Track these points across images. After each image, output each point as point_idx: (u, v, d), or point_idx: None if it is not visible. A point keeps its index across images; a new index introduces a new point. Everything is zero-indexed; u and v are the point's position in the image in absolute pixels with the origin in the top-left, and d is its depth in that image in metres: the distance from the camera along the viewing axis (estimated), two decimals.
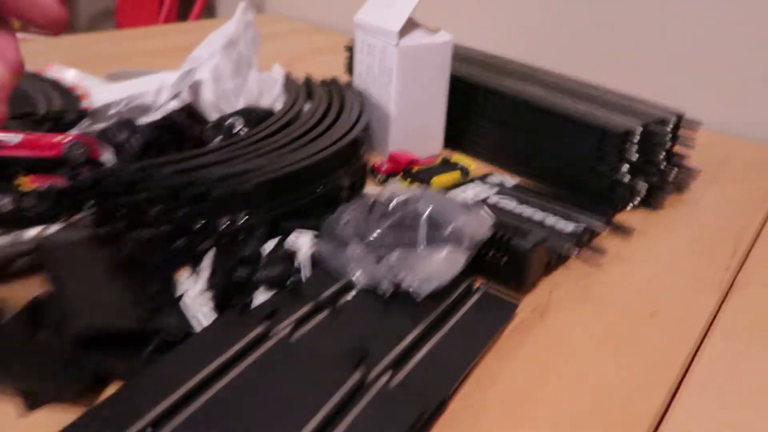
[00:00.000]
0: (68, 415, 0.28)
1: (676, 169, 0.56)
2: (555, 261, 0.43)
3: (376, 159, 0.57)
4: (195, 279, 0.37)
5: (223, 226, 0.39)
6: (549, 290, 0.41)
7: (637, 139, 0.51)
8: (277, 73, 0.68)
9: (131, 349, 0.30)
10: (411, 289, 0.35)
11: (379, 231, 0.37)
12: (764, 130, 0.75)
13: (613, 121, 0.52)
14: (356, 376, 0.29)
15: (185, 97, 0.48)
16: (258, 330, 0.32)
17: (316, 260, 0.39)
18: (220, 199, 0.38)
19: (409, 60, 0.54)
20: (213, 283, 0.35)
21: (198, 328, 0.33)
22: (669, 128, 0.54)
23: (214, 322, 0.33)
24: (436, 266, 0.34)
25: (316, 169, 0.44)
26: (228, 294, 0.35)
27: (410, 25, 0.54)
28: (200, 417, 0.27)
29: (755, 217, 0.54)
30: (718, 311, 0.41)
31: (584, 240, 0.46)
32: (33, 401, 0.28)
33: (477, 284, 0.40)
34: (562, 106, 0.55)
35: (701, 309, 0.41)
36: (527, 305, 0.40)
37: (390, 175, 0.54)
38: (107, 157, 0.46)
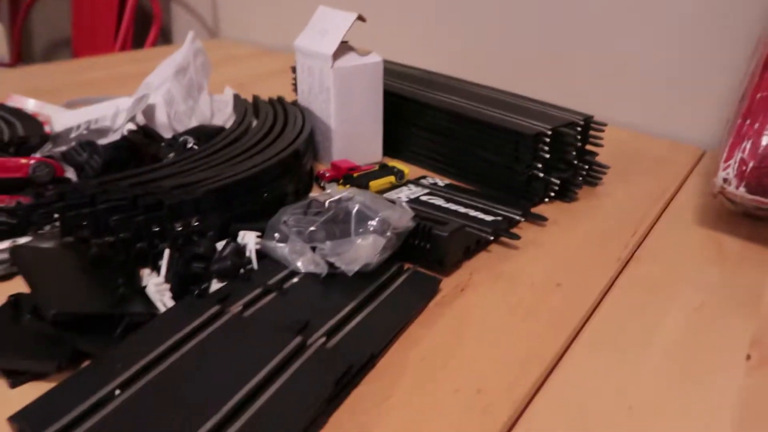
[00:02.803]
0: (49, 387, 0.32)
1: (587, 165, 0.63)
2: (475, 246, 0.49)
3: (321, 168, 0.62)
4: (155, 275, 0.42)
5: (178, 230, 0.44)
6: (470, 272, 0.48)
7: (548, 140, 0.58)
8: (228, 95, 0.73)
9: (104, 331, 0.35)
10: (342, 269, 0.40)
11: (315, 226, 0.43)
12: (670, 128, 0.84)
13: (527, 125, 0.59)
14: (297, 341, 0.35)
15: (140, 120, 0.53)
16: (214, 309, 0.37)
17: (262, 254, 0.44)
18: (173, 207, 0.43)
19: (343, 79, 0.60)
20: (170, 277, 0.40)
21: (164, 310, 0.38)
22: (578, 129, 0.61)
23: (176, 304, 0.38)
24: (361, 250, 0.40)
25: (260, 177, 0.49)
26: (185, 284, 0.40)
27: (344, 49, 0.60)
28: (160, 381, 0.32)
29: (655, 206, 0.62)
30: (616, 279, 0.48)
31: (502, 228, 0.52)
32: (16, 379, 0.33)
33: (406, 267, 0.45)
34: (483, 114, 0.61)
35: (601, 278, 0.47)
36: (450, 284, 0.46)
37: (333, 181, 0.60)
38: (71, 175, 0.50)
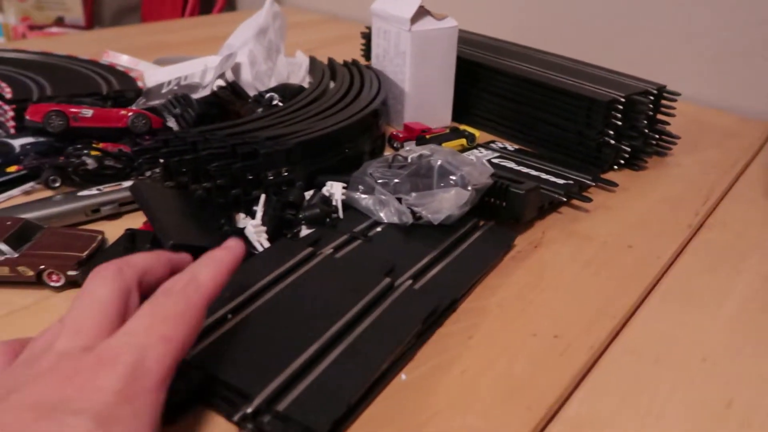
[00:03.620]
0: None
1: (657, 135, 0.64)
2: (548, 206, 0.51)
3: (392, 130, 0.64)
4: (249, 219, 0.45)
5: (270, 178, 0.47)
6: (542, 230, 0.49)
7: (620, 107, 0.59)
8: (301, 58, 0.76)
9: None
10: (428, 218, 0.43)
11: (399, 178, 0.45)
12: (741, 103, 0.82)
13: (600, 92, 0.59)
14: (386, 281, 0.38)
15: (229, 77, 0.56)
16: (307, 250, 0.40)
17: (346, 204, 0.47)
18: (267, 156, 0.46)
19: (420, 43, 0.62)
20: (266, 220, 0.43)
21: (261, 249, 0.41)
22: (650, 98, 0.61)
23: (273, 245, 0.41)
24: (445, 202, 0.42)
25: (343, 133, 0.52)
26: (278, 228, 0.43)
27: (420, 13, 0.62)
28: (265, 309, 0.35)
29: (726, 177, 0.62)
30: (687, 243, 0.49)
31: (574, 191, 0.53)
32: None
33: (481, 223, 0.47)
34: (555, 80, 0.62)
35: (672, 242, 0.48)
36: (524, 240, 0.47)
37: (406, 141, 0.62)
38: (172, 125, 0.54)
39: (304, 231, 0.45)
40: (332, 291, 0.37)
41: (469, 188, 0.44)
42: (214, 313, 0.34)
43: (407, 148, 0.50)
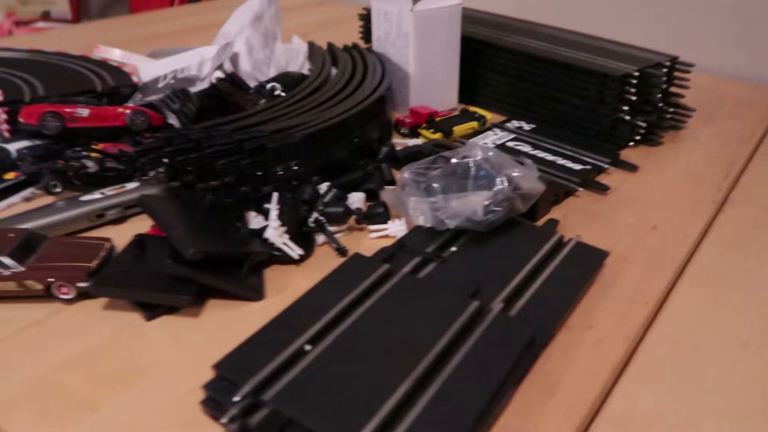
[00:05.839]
0: (182, 321, 0.34)
1: (672, 108, 0.62)
2: (563, 196, 0.49)
3: (398, 115, 0.62)
4: (262, 218, 0.43)
5: (279, 173, 0.45)
6: (563, 213, 0.48)
7: (634, 81, 0.57)
8: (299, 44, 0.73)
9: (227, 270, 0.36)
10: (443, 222, 0.41)
11: (434, 180, 0.42)
12: (753, 71, 0.80)
13: (613, 66, 0.57)
14: (474, 304, 0.34)
15: (228, 67, 0.54)
16: (383, 268, 0.37)
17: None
18: (275, 150, 0.44)
19: (423, 23, 0.60)
20: (284, 219, 0.41)
21: (293, 255, 0.40)
22: (664, 70, 0.59)
23: (344, 263, 0.38)
24: (464, 206, 0.40)
25: (351, 122, 0.50)
26: (298, 227, 0.41)
27: None
28: (345, 338, 0.32)
29: (745, 148, 0.60)
30: (713, 221, 0.48)
31: (591, 179, 0.52)
32: (152, 313, 0.35)
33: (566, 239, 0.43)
34: (564, 56, 0.60)
35: (697, 220, 0.47)
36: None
37: (414, 127, 0.60)
38: (173, 122, 0.51)
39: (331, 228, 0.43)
40: (415, 315, 0.34)
41: (506, 191, 0.41)
42: (291, 343, 0.31)
43: (457, 150, 0.45)
